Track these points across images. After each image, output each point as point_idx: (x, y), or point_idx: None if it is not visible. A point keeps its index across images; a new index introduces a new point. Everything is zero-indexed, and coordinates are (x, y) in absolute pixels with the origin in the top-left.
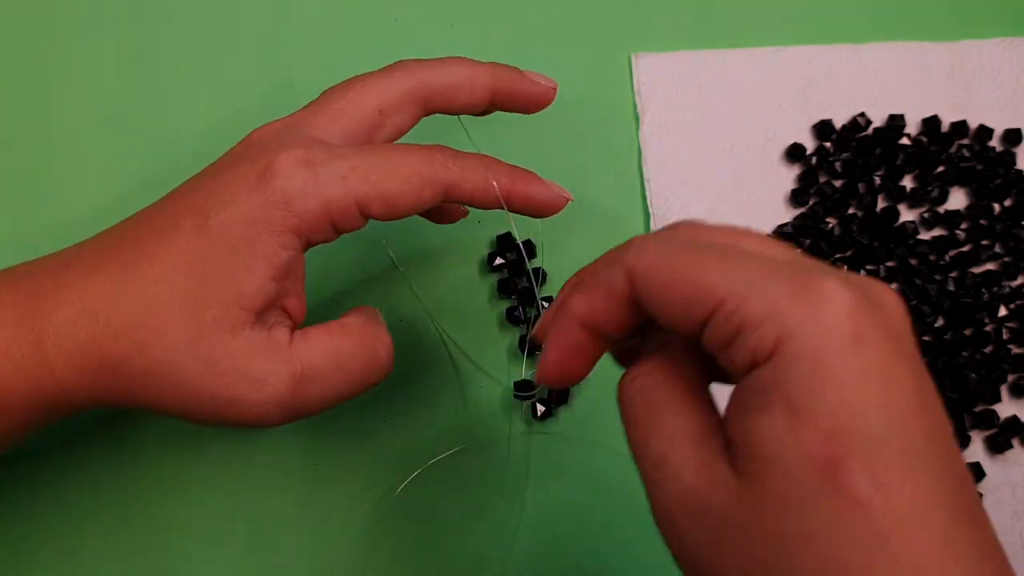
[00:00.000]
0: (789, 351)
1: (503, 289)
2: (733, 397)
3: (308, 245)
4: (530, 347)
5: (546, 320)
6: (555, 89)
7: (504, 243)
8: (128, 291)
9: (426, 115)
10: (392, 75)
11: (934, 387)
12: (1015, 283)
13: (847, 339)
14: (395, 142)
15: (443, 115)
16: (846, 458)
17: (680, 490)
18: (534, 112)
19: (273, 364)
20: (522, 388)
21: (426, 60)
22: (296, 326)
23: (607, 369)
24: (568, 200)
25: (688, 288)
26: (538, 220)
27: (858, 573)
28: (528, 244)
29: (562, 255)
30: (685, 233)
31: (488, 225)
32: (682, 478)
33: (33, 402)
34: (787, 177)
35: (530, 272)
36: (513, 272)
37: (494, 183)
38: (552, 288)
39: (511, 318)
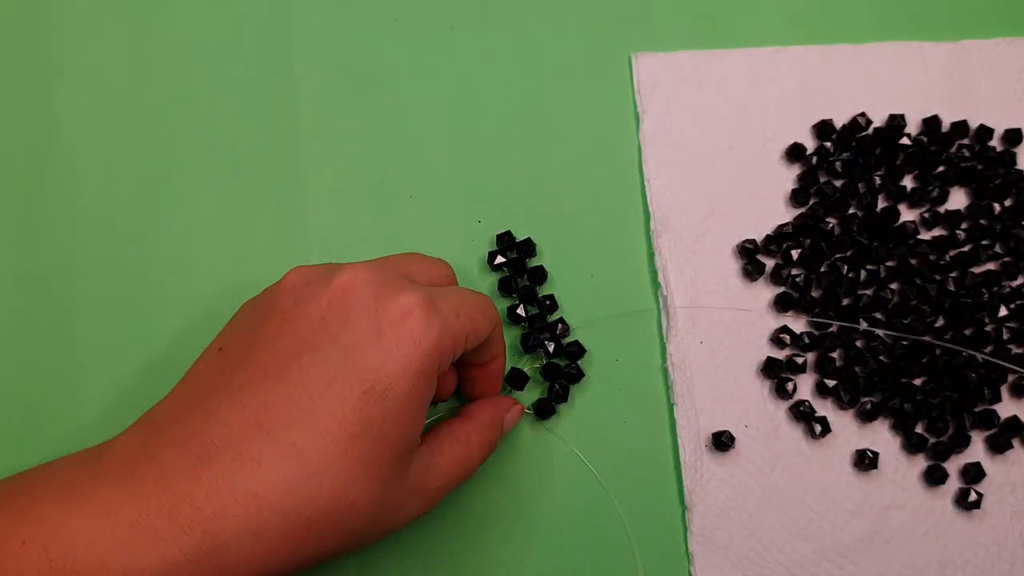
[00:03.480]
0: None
1: (504, 287)
2: None
3: None
4: (532, 344)
5: None
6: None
7: (504, 241)
8: (305, 473)
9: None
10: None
11: None
12: (1015, 283)
13: None
14: None
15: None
16: None
17: None
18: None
19: (428, 484)
20: (515, 379)
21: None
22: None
23: (608, 375)
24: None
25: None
26: (540, 219)
27: None
28: (528, 243)
29: (562, 255)
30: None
31: (488, 225)
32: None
33: None
34: (787, 177)
35: (531, 270)
36: (514, 270)
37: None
38: (553, 287)
39: (512, 316)
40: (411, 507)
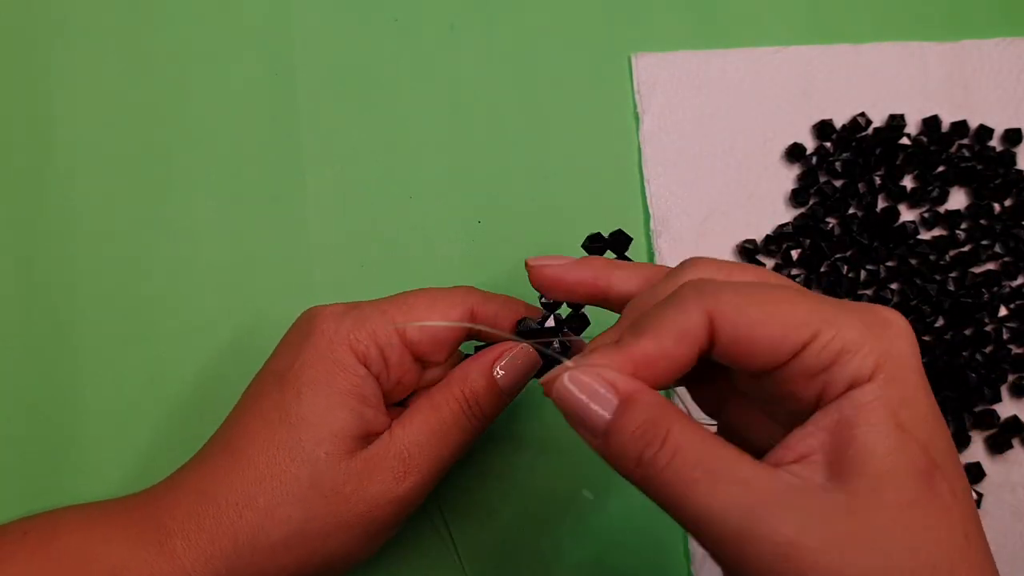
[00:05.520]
0: (888, 374)
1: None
2: (823, 414)
3: (375, 377)
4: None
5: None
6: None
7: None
8: (239, 465)
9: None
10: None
11: None
12: (1015, 283)
13: (915, 361)
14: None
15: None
16: (935, 469)
17: (776, 533)
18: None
19: (386, 460)
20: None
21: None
22: (384, 429)
23: None
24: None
25: (779, 324)
26: (540, 219)
27: (950, 563)
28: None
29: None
30: (718, 273)
31: (488, 224)
32: (772, 523)
33: None
34: (787, 177)
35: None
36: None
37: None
38: None
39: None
40: (378, 483)
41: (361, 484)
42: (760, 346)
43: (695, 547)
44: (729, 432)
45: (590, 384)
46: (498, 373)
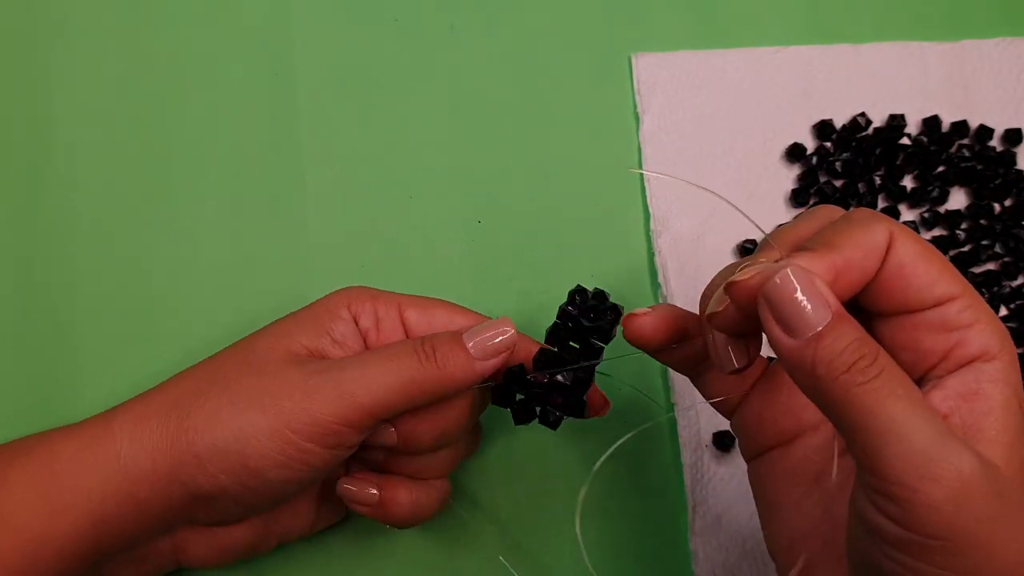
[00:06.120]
0: (1010, 357)
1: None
2: (956, 380)
3: (362, 335)
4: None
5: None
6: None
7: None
8: (187, 372)
9: None
10: None
11: None
12: (1015, 283)
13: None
14: None
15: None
16: None
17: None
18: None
19: (317, 362)
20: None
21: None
22: None
23: (609, 376)
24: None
25: (937, 268)
26: (540, 219)
27: None
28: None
29: (562, 255)
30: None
31: (488, 224)
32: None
33: (104, 492)
34: (787, 177)
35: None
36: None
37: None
38: (554, 287)
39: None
40: (299, 370)
41: (284, 368)
42: (919, 280)
43: (695, 547)
44: (738, 432)
45: (813, 287)
46: (504, 334)
